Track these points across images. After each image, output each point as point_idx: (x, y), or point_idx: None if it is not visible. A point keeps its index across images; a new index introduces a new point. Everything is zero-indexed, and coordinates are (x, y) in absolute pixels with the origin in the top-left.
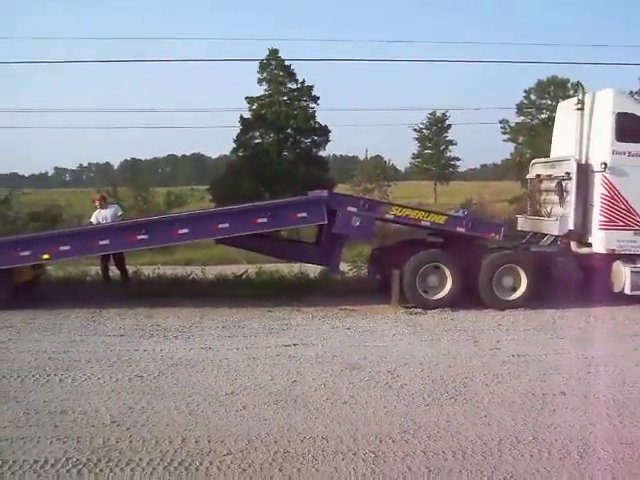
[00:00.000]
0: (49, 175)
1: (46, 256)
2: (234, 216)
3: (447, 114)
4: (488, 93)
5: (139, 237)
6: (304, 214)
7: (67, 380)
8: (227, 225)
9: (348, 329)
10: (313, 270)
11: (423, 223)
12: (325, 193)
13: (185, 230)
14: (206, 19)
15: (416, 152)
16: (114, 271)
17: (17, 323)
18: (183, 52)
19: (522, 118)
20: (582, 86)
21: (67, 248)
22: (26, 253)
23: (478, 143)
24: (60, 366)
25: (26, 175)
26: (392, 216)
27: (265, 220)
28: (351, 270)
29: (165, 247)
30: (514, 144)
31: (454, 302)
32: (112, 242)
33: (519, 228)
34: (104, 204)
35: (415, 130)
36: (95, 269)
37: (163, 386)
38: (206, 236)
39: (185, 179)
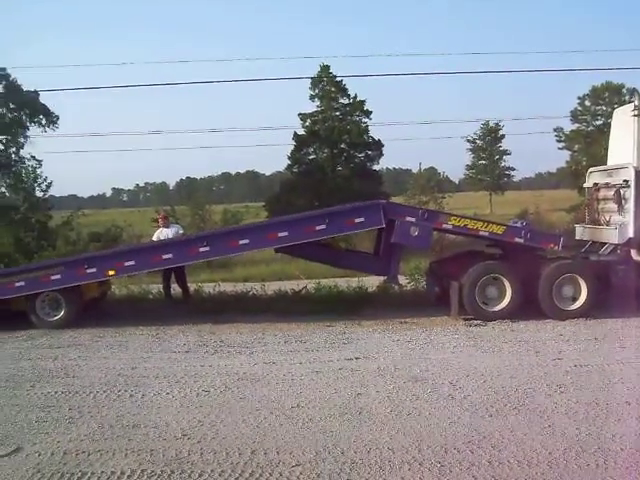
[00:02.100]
0: (107, 196)
1: (112, 272)
2: (293, 224)
3: (500, 124)
4: (542, 101)
5: (201, 249)
6: (362, 219)
7: (137, 395)
8: (286, 233)
9: (409, 342)
10: (371, 284)
11: (481, 233)
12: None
13: (245, 240)
14: (260, 40)
15: (470, 163)
16: (175, 288)
17: (85, 341)
18: (236, 72)
19: (577, 125)
20: (638, 92)
21: (132, 263)
22: (93, 270)
23: (533, 152)
24: (130, 382)
25: (85, 196)
26: (450, 226)
27: (324, 227)
28: (409, 283)
29: (224, 264)
30: (569, 152)
31: (514, 313)
32: (175, 256)
33: (578, 237)
34: (167, 223)
35: (469, 141)
36: (157, 287)
37: (230, 400)
38: (266, 245)
39: (239, 196)
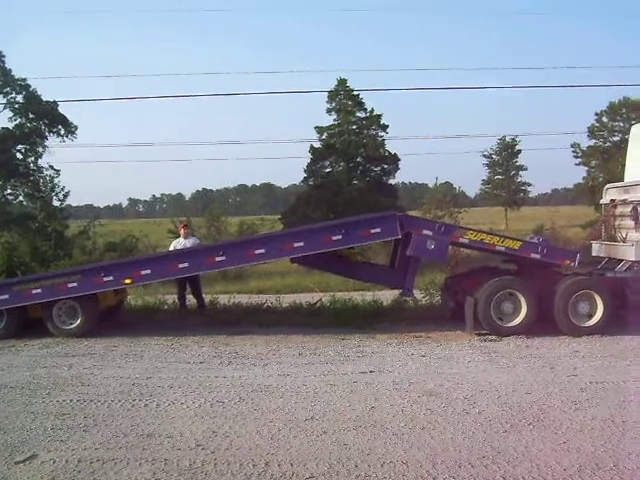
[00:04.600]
0: (123, 206)
1: (128, 280)
2: (309, 234)
3: (517, 139)
4: (559, 117)
5: (217, 259)
6: (378, 229)
7: (152, 405)
8: (302, 244)
9: (423, 356)
10: (386, 298)
11: (498, 248)
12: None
13: (262, 250)
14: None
15: (486, 178)
16: (190, 299)
17: (100, 350)
18: (252, 85)
19: (594, 141)
20: None
21: (148, 272)
22: (109, 278)
23: (549, 168)
24: (144, 391)
25: (101, 206)
26: (467, 240)
27: (340, 237)
28: (424, 297)
29: (239, 276)
30: (586, 168)
31: (529, 329)
32: (191, 265)
33: (594, 254)
34: (187, 234)
35: (485, 156)
36: (172, 298)
37: (244, 411)
38: (282, 255)
39: (255, 208)
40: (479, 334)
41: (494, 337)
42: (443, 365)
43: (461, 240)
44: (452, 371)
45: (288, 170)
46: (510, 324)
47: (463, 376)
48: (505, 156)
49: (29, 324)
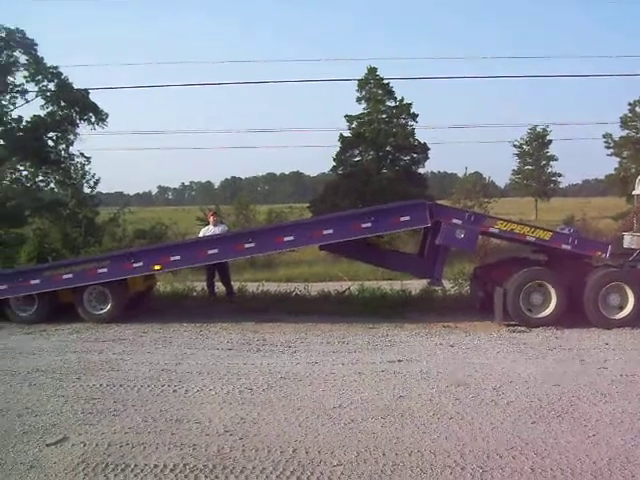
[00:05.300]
0: (153, 194)
1: (157, 267)
2: (339, 221)
3: (548, 129)
4: (591, 107)
5: (246, 245)
6: (407, 217)
7: (180, 391)
8: (332, 231)
9: (452, 346)
10: (415, 287)
11: (528, 239)
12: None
13: (290, 237)
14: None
15: (516, 168)
16: (219, 286)
17: (130, 336)
18: (284, 73)
19: (626, 132)
20: None
21: (177, 258)
22: (139, 264)
23: (580, 158)
24: (173, 377)
25: (131, 194)
26: (497, 230)
27: (369, 225)
28: (453, 287)
29: (267, 264)
30: (618, 159)
31: (558, 320)
32: (220, 251)
33: (626, 246)
34: (216, 221)
35: (515, 146)
36: (200, 285)
37: (272, 399)
38: (311, 242)
39: (283, 197)
40: (508, 325)
41: (523, 328)
42: (472, 355)
43: (491, 230)
44: (481, 361)
45: (317, 159)
46: (539, 315)
47: (492, 367)
48: (535, 146)
49: (60, 309)
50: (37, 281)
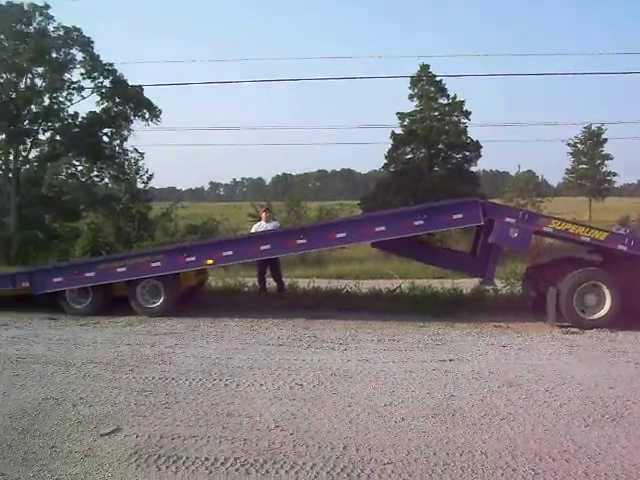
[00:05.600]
0: (205, 189)
1: (210, 261)
2: (391, 219)
3: (603, 128)
4: None
5: (298, 242)
6: (460, 215)
7: (232, 385)
8: (384, 228)
9: (503, 346)
10: (466, 286)
11: (583, 239)
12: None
13: (343, 234)
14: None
15: (570, 167)
16: (270, 282)
17: (182, 329)
18: (336, 70)
19: None
20: None
21: (230, 253)
22: (192, 259)
23: (636, 157)
24: (224, 372)
25: (183, 189)
26: (551, 230)
27: (421, 222)
28: (504, 287)
29: (318, 260)
30: None
31: (613, 322)
32: (273, 247)
33: None
34: (268, 217)
35: (569, 145)
36: (252, 280)
37: (323, 395)
38: (363, 239)
39: (334, 194)
40: (561, 326)
41: (576, 329)
42: (523, 356)
43: (545, 229)
44: (533, 362)
45: (368, 156)
46: (593, 317)
47: (544, 368)
48: (590, 145)
49: (113, 302)
50: (92, 274)
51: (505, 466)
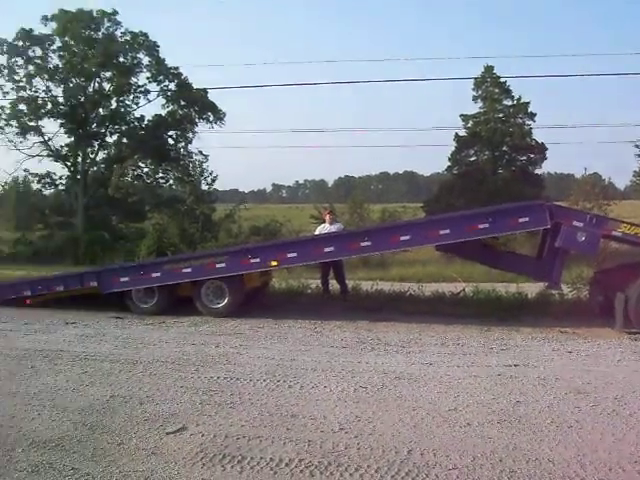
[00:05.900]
0: (267, 191)
1: (274, 262)
2: (455, 222)
3: None
4: None
5: (362, 244)
6: (526, 219)
7: (296, 387)
8: (448, 231)
9: (570, 352)
10: (531, 291)
11: None
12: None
13: (407, 237)
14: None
15: (638, 170)
16: (333, 284)
17: (246, 330)
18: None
19: None
20: None
21: (294, 255)
22: (256, 260)
23: None
24: (289, 373)
25: (246, 191)
26: (620, 234)
27: (487, 225)
28: (571, 292)
29: (380, 263)
30: None
31: None
32: (337, 249)
33: None
34: (332, 219)
35: (637, 146)
36: (315, 282)
37: (387, 398)
38: (427, 242)
39: (397, 196)
40: (629, 332)
41: None
42: (591, 363)
43: (614, 233)
44: (600, 369)
45: (431, 158)
46: None
47: (613, 375)
48: None
49: (178, 303)
50: (158, 274)
51: (573, 475)
